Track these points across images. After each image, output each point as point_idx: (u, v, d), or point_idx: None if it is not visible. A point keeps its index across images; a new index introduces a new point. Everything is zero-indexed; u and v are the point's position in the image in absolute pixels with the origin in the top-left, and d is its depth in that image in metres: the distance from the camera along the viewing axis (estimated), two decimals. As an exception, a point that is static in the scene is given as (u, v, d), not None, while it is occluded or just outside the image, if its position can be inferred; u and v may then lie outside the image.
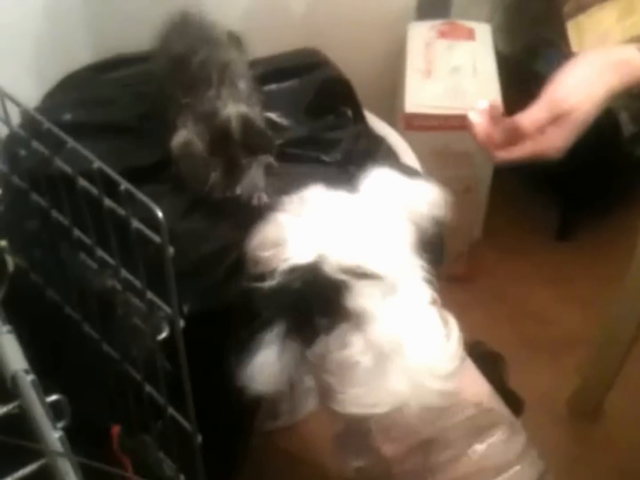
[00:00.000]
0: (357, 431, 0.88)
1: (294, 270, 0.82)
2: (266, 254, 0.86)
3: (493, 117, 0.95)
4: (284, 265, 0.83)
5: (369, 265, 0.83)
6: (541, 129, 0.92)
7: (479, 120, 0.95)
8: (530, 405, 1.00)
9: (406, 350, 0.83)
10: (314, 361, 0.85)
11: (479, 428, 0.84)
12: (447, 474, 0.83)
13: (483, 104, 0.96)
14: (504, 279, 1.68)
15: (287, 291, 0.82)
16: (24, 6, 1.18)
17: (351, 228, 0.86)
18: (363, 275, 0.83)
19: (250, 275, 0.87)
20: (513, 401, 0.93)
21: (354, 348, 0.82)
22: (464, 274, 1.61)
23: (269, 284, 0.83)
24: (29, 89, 1.15)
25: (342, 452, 0.93)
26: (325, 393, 0.87)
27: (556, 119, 0.91)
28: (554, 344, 1.55)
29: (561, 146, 0.93)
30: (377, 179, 0.92)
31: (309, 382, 0.92)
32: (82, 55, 1.25)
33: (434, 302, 0.88)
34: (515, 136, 0.93)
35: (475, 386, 0.89)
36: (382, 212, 0.89)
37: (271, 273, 0.83)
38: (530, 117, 0.92)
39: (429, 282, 0.88)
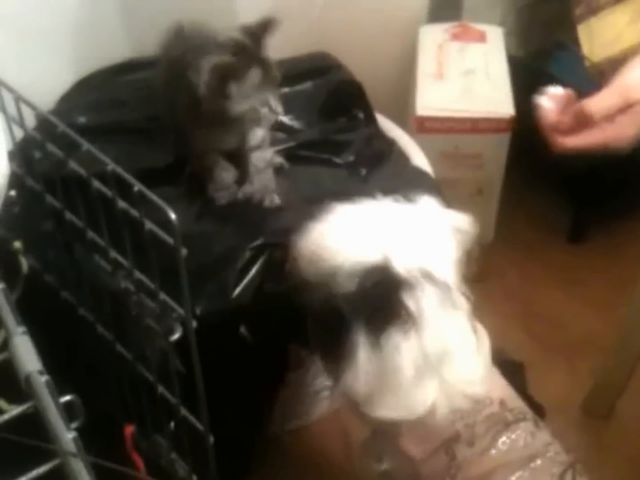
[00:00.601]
0: (384, 435, 0.88)
1: (366, 270, 0.81)
2: (333, 254, 0.84)
3: (564, 104, 0.92)
4: (354, 265, 0.81)
5: (431, 269, 0.82)
6: (610, 117, 0.87)
7: (549, 105, 0.92)
8: (545, 407, 1.00)
9: (445, 356, 0.82)
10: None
11: (503, 423, 0.84)
12: (472, 470, 0.83)
13: (556, 90, 0.93)
14: (516, 281, 1.67)
15: (363, 293, 0.81)
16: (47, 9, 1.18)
17: (409, 233, 0.85)
18: (427, 277, 0.81)
19: (317, 277, 0.84)
20: (534, 408, 0.92)
21: (403, 351, 0.80)
22: (476, 276, 1.60)
23: (344, 286, 0.81)
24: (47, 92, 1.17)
25: (368, 456, 0.92)
26: (362, 397, 0.85)
27: (627, 108, 0.86)
28: (567, 347, 1.54)
29: (631, 136, 0.88)
30: (425, 202, 0.91)
31: (322, 384, 0.92)
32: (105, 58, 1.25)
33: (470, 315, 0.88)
34: (583, 123, 0.88)
35: (499, 388, 0.89)
36: (433, 225, 0.88)
37: (334, 273, 0.82)
38: (599, 103, 0.87)
39: (467, 296, 0.88)
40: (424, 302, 0.81)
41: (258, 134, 1.04)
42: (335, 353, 0.83)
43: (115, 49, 1.27)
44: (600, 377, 1.43)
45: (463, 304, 0.86)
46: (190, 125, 1.01)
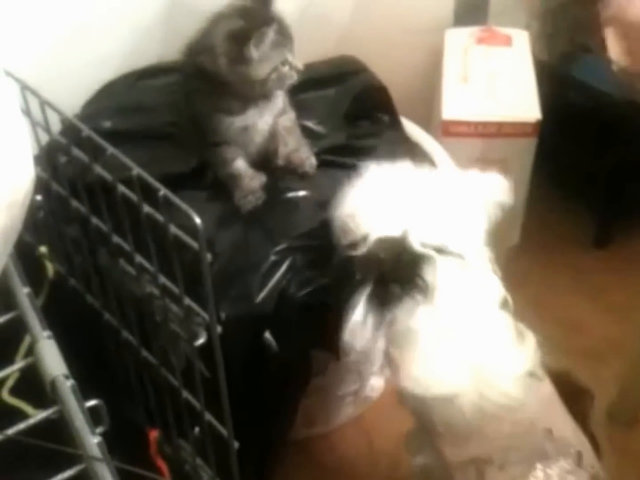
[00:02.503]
0: (425, 428, 0.89)
1: (382, 241, 0.87)
2: (358, 222, 0.90)
3: None
4: (373, 236, 0.87)
5: (449, 244, 0.87)
6: None
7: None
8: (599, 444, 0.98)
9: (471, 334, 0.84)
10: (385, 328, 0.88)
11: (541, 455, 0.82)
12: None
13: None
14: (540, 286, 1.65)
15: (373, 259, 0.87)
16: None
17: (433, 205, 0.90)
18: (443, 252, 0.86)
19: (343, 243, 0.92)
20: (592, 442, 0.89)
21: (420, 319, 0.84)
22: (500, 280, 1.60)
23: (360, 251, 0.88)
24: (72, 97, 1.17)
25: (411, 447, 0.95)
26: (394, 369, 0.89)
27: None
28: (590, 353, 1.52)
29: None
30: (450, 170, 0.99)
31: (345, 389, 0.93)
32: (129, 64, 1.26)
33: (505, 304, 0.90)
34: None
35: (550, 412, 0.87)
36: (460, 195, 0.93)
37: (363, 241, 0.88)
38: None
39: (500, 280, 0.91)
40: (440, 275, 0.85)
41: (279, 100, 1.05)
42: (344, 310, 0.88)
43: (140, 54, 1.27)
44: (624, 384, 1.41)
45: (494, 283, 0.90)
46: (212, 133, 1.02)
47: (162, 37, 1.27)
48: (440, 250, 0.86)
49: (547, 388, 0.88)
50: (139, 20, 1.27)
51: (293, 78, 1.01)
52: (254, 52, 0.94)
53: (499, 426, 0.82)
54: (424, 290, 0.84)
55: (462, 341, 0.84)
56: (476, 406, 0.82)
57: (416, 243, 0.86)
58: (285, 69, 0.98)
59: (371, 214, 0.90)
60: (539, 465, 0.81)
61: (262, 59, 0.95)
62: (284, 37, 0.97)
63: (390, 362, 0.89)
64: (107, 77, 1.23)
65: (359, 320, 0.86)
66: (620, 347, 1.47)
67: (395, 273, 0.86)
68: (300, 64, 1.00)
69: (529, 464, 0.81)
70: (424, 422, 0.89)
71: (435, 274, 0.85)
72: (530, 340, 0.87)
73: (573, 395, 0.93)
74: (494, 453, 0.82)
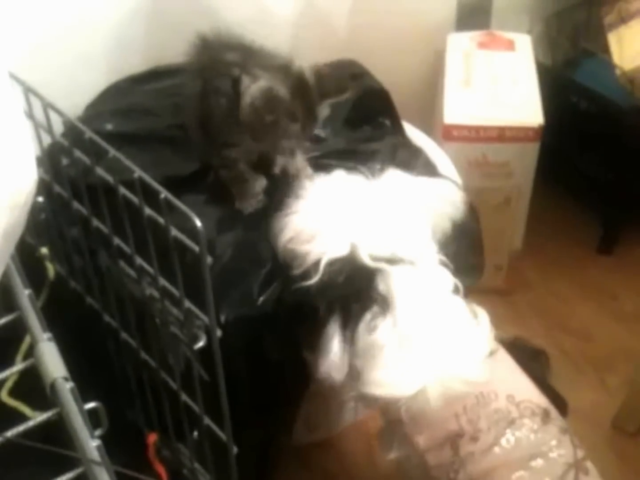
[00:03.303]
0: (394, 422, 0.90)
1: (333, 263, 0.87)
2: (303, 247, 0.90)
3: None
4: (324, 259, 0.88)
5: (398, 252, 0.88)
6: None
7: None
8: (572, 421, 0.98)
9: (430, 334, 0.86)
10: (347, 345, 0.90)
11: (508, 419, 0.85)
12: (475, 466, 0.84)
13: None
14: (544, 293, 1.65)
15: (333, 286, 0.87)
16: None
17: (376, 214, 0.91)
18: (394, 261, 0.87)
19: (292, 271, 0.91)
20: (555, 399, 0.92)
21: (381, 331, 0.86)
22: (503, 287, 1.59)
23: (315, 280, 0.88)
24: (74, 100, 1.17)
25: (383, 444, 0.95)
26: (355, 377, 0.90)
27: None
28: (596, 361, 1.52)
29: None
30: (395, 174, 0.98)
31: (346, 395, 0.93)
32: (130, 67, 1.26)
33: (456, 290, 0.91)
34: None
35: (509, 378, 0.90)
36: (402, 202, 0.93)
37: (315, 268, 0.88)
38: None
39: (449, 269, 0.92)
40: (394, 285, 0.86)
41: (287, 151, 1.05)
42: (311, 343, 0.89)
43: (141, 57, 1.28)
44: (630, 393, 1.40)
45: (446, 279, 0.91)
46: (223, 134, 1.01)
47: (163, 41, 1.27)
48: (390, 260, 0.88)
49: (503, 356, 0.90)
50: (141, 23, 1.27)
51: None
52: (265, 122, 0.94)
53: (465, 402, 0.85)
54: (382, 303, 0.86)
55: (422, 341, 0.86)
56: (441, 395, 0.84)
57: (366, 258, 0.87)
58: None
59: (316, 234, 0.90)
60: (508, 430, 0.84)
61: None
62: (306, 127, 0.97)
63: (352, 371, 0.90)
64: (109, 80, 1.24)
65: (336, 352, 0.87)
66: (628, 354, 1.47)
67: (352, 292, 0.87)
68: (307, 170, 1.03)
69: (497, 430, 0.84)
70: (392, 418, 0.90)
71: (390, 285, 0.87)
72: (484, 318, 0.90)
73: (529, 357, 0.96)
74: (464, 425, 0.84)
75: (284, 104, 0.93)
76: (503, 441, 0.84)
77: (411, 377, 0.85)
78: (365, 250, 0.87)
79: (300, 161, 1.07)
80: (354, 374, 0.89)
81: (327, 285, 0.87)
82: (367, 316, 0.87)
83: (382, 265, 0.87)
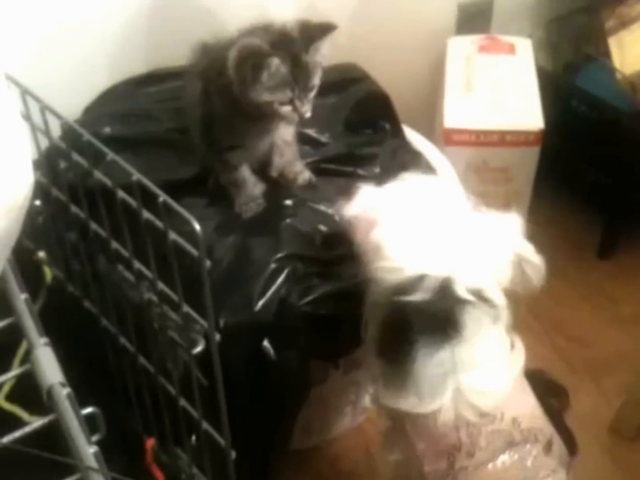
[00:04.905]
0: (400, 427, 0.90)
1: (434, 283, 0.83)
2: (391, 252, 0.85)
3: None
4: (429, 278, 0.83)
5: (488, 291, 0.84)
6: None
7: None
8: (570, 426, 0.98)
9: (466, 362, 0.85)
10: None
11: (508, 441, 0.84)
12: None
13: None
14: (543, 297, 1.63)
15: (438, 308, 0.83)
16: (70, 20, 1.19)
17: (475, 248, 0.86)
18: (480, 298, 0.84)
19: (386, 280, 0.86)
20: (567, 439, 0.91)
21: (436, 362, 0.84)
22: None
23: (419, 296, 0.82)
24: (72, 102, 1.17)
25: (386, 445, 0.96)
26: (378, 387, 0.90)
27: None
28: (595, 365, 1.51)
29: None
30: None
31: (344, 399, 0.92)
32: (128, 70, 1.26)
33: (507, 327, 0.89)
34: None
35: (520, 404, 0.88)
36: (497, 242, 0.89)
37: (419, 283, 0.83)
38: None
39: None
40: (471, 320, 0.83)
41: (287, 132, 1.04)
42: (394, 357, 0.85)
43: (141, 60, 1.27)
44: (628, 397, 1.39)
45: (504, 319, 0.88)
46: (224, 138, 1.01)
47: (162, 44, 1.27)
48: (480, 297, 0.84)
49: (520, 382, 0.89)
50: (140, 27, 1.27)
51: (294, 120, 0.98)
52: (248, 74, 0.92)
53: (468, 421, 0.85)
54: (454, 335, 0.83)
55: (456, 368, 0.84)
56: (453, 419, 0.84)
57: (461, 288, 0.83)
58: (286, 109, 0.95)
59: (409, 242, 0.86)
60: (507, 452, 0.84)
61: (260, 87, 0.93)
62: (297, 80, 0.94)
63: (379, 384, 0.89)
64: (108, 83, 1.23)
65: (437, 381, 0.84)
66: (627, 359, 1.46)
67: (443, 319, 0.83)
68: (308, 112, 0.97)
69: (495, 450, 0.84)
70: (398, 423, 0.90)
71: (469, 319, 0.83)
72: (520, 351, 0.89)
73: (548, 392, 0.95)
74: (463, 438, 0.84)
75: (265, 52, 0.91)
76: (499, 460, 0.84)
77: (434, 400, 0.84)
78: (461, 279, 0.83)
79: (298, 165, 1.06)
80: (385, 389, 0.89)
81: (433, 306, 0.82)
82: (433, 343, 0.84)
83: (472, 299, 0.83)
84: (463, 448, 0.84)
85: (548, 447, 0.86)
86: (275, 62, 0.91)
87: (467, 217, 0.89)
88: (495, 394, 0.85)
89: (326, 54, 0.97)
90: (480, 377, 0.85)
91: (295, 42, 0.94)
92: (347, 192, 0.96)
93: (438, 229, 0.87)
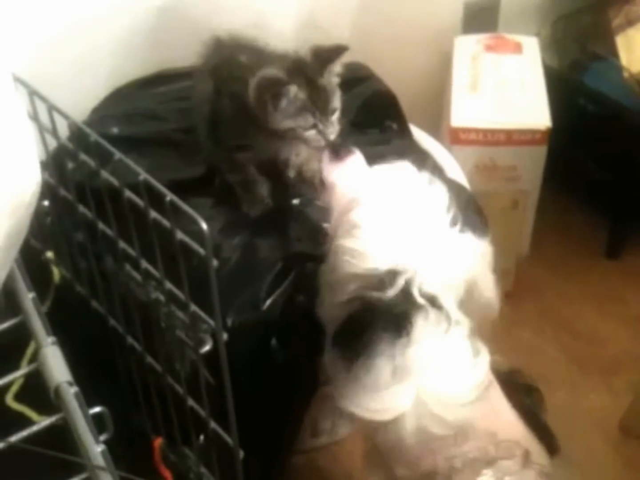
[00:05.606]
0: (375, 448, 0.88)
1: (400, 282, 0.82)
2: (370, 247, 0.84)
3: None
4: (402, 275, 0.82)
5: (442, 299, 0.83)
6: None
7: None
8: (579, 425, 0.97)
9: (424, 368, 0.83)
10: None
11: (486, 460, 0.82)
12: None
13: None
14: (552, 296, 1.65)
15: (398, 305, 0.82)
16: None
17: (434, 248, 0.85)
18: (433, 303, 0.83)
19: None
20: (546, 438, 0.89)
21: (385, 361, 0.83)
22: (511, 291, 1.59)
23: (388, 294, 0.82)
24: (80, 103, 1.17)
25: (367, 467, 0.94)
26: (341, 391, 0.89)
27: None
28: (604, 364, 1.51)
29: None
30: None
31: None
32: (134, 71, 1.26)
33: (471, 332, 0.87)
34: None
35: (495, 415, 0.87)
36: (456, 244, 0.87)
37: (390, 278, 0.82)
38: None
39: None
40: (423, 324, 0.82)
41: (302, 153, 1.03)
42: (353, 352, 0.84)
43: (147, 60, 1.28)
44: (637, 396, 1.39)
45: (463, 324, 0.86)
46: (233, 137, 1.01)
47: (169, 45, 1.27)
48: (432, 303, 0.83)
49: (494, 391, 0.88)
50: (147, 27, 1.27)
51: (320, 144, 0.98)
52: (268, 104, 0.93)
53: (442, 438, 0.82)
54: (404, 334, 0.82)
55: (415, 373, 0.83)
56: (416, 431, 0.82)
57: (417, 291, 0.82)
58: (310, 133, 0.96)
59: (383, 231, 0.85)
60: (485, 471, 0.81)
61: (280, 115, 0.94)
62: (317, 104, 0.95)
63: (337, 384, 0.89)
64: (115, 84, 1.24)
65: (387, 381, 0.83)
66: (636, 358, 1.47)
67: (402, 317, 0.83)
68: (333, 134, 0.97)
69: (473, 471, 0.81)
70: (376, 443, 0.88)
71: (419, 322, 0.82)
72: (484, 357, 0.86)
73: (523, 391, 0.94)
74: (440, 463, 0.82)
75: (282, 80, 0.92)
76: None
77: (392, 406, 0.83)
78: (418, 282, 0.82)
79: (315, 163, 1.06)
80: (342, 389, 0.88)
81: (393, 303, 0.82)
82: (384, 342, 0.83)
83: (426, 305, 0.82)
84: (440, 474, 0.82)
85: (526, 460, 0.84)
86: (293, 89, 0.93)
87: (442, 226, 0.88)
88: (459, 404, 0.83)
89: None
90: (440, 383, 0.84)
91: (310, 68, 0.96)
92: (339, 156, 0.96)
93: (412, 226, 0.86)
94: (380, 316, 0.82)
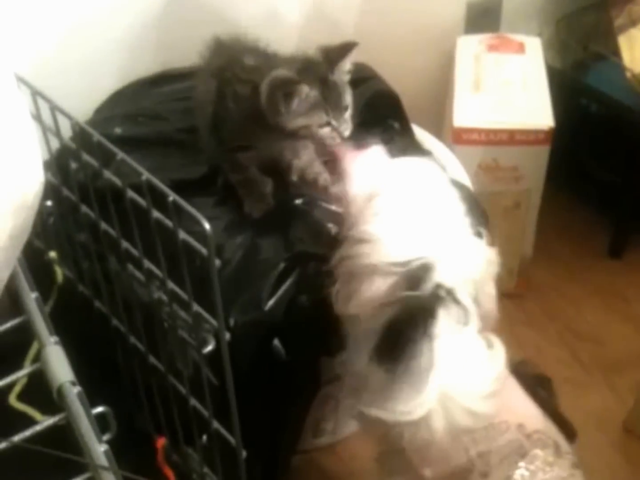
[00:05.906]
0: (395, 451, 0.87)
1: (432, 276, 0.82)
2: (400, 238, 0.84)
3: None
4: (436, 270, 0.82)
5: (458, 290, 0.83)
6: None
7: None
8: (583, 425, 0.97)
9: (442, 364, 0.82)
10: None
11: (520, 452, 0.81)
12: None
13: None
14: (555, 296, 1.64)
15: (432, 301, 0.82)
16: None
17: (454, 246, 0.85)
18: (453, 298, 0.83)
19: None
20: (563, 427, 0.89)
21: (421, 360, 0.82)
22: (515, 291, 1.59)
23: (428, 292, 0.81)
24: (83, 103, 1.17)
25: (382, 471, 0.92)
26: (360, 395, 0.87)
27: None
28: (607, 364, 1.51)
29: None
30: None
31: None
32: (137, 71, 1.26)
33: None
34: None
35: (519, 407, 0.87)
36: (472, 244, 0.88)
37: (424, 271, 0.82)
38: None
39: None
40: (443, 316, 0.82)
41: (304, 156, 1.04)
42: (396, 357, 0.82)
43: (150, 60, 1.28)
44: (640, 396, 1.39)
45: (476, 323, 0.85)
46: (236, 137, 1.01)
47: (172, 44, 1.27)
48: (451, 296, 0.83)
49: (511, 382, 0.88)
50: (150, 27, 1.27)
51: (335, 140, 0.98)
52: (280, 103, 0.94)
53: (474, 434, 0.82)
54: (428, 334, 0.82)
55: (434, 371, 0.82)
56: (446, 426, 0.81)
57: (440, 284, 0.82)
58: (325, 130, 0.96)
59: (402, 226, 0.85)
60: (521, 464, 0.80)
61: (293, 113, 0.94)
62: (329, 101, 0.95)
63: (354, 385, 0.88)
64: (118, 84, 1.24)
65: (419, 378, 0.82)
66: (637, 357, 1.46)
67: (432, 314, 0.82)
68: (347, 130, 0.97)
69: (510, 464, 0.80)
70: (393, 446, 0.86)
71: (441, 318, 0.82)
72: (499, 348, 0.86)
73: (535, 383, 0.92)
74: (474, 460, 0.81)
75: (294, 80, 0.93)
76: (517, 475, 0.80)
77: (416, 407, 0.82)
78: (441, 277, 0.82)
79: (317, 166, 1.06)
80: (372, 395, 0.86)
81: (430, 298, 0.82)
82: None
83: (448, 299, 0.82)
84: (475, 469, 0.81)
85: (558, 450, 0.83)
86: (304, 88, 0.93)
87: (460, 222, 0.88)
88: (483, 396, 0.82)
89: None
90: (463, 376, 0.83)
91: (320, 67, 0.96)
92: (359, 145, 0.96)
93: (432, 218, 0.86)
94: (419, 315, 0.81)
